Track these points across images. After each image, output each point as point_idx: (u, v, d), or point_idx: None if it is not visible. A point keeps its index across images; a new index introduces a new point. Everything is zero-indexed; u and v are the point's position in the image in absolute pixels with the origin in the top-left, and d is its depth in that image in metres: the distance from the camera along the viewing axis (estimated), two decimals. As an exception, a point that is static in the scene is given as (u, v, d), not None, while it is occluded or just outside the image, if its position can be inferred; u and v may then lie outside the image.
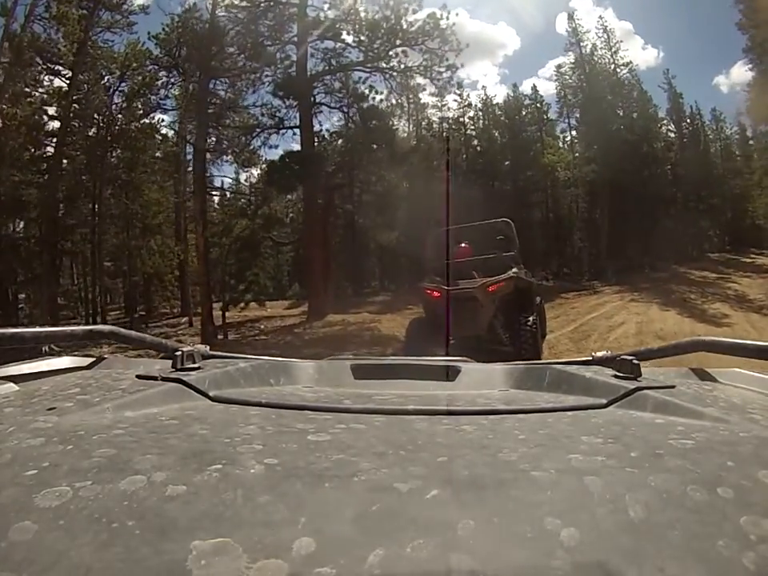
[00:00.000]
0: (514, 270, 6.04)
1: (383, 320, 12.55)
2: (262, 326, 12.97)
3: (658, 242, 23.53)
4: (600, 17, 25.83)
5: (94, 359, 0.82)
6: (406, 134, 15.62)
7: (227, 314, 15.38)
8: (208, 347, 0.85)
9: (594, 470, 0.35)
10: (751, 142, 27.85)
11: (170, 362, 0.70)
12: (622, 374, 0.67)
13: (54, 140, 14.56)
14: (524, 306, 6.30)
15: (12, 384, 0.61)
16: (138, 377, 0.64)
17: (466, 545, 0.26)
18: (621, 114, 24.42)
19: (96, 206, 16.01)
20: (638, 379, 0.65)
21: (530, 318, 5.93)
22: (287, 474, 0.34)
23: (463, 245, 6.88)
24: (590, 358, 0.87)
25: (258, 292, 15.51)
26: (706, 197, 26.36)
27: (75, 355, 0.85)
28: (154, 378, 0.62)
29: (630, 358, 0.68)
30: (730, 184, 26.50)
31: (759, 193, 24.52)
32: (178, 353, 0.70)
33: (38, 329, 0.71)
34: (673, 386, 0.62)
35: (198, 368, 0.69)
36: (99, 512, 0.29)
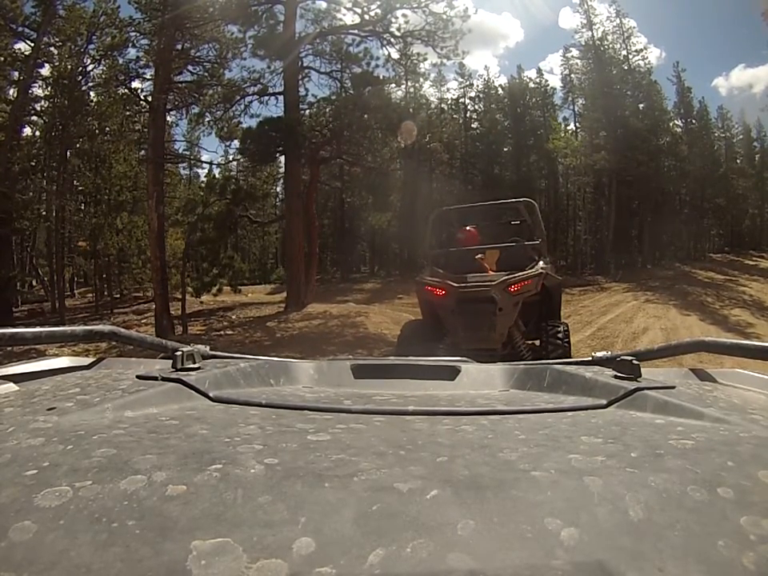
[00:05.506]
0: (542, 264, 4.60)
1: (370, 313, 11.20)
2: (234, 317, 11.42)
3: (662, 238, 22.53)
4: (613, 0, 24.29)
5: (94, 359, 0.82)
6: (402, 103, 13.90)
7: (203, 299, 13.83)
8: (208, 347, 0.83)
9: (594, 469, 0.35)
10: (755, 144, 26.85)
11: (170, 361, 0.71)
12: (622, 375, 0.66)
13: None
14: (552, 312, 4.91)
15: (12, 384, 0.61)
16: (138, 377, 0.64)
17: (465, 545, 0.26)
18: (630, 102, 23.12)
19: (57, 180, 14.39)
20: (638, 379, 0.64)
21: (560, 328, 4.55)
22: (287, 474, 0.34)
23: (469, 228, 5.45)
24: (590, 359, 0.85)
25: (233, 276, 14.03)
26: (711, 196, 25.44)
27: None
28: (154, 378, 0.62)
29: (630, 358, 0.68)
30: (733, 184, 25.65)
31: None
32: (178, 353, 0.70)
33: (38, 329, 0.70)
34: (673, 387, 0.61)
35: (198, 368, 0.69)
36: (99, 512, 0.29)
